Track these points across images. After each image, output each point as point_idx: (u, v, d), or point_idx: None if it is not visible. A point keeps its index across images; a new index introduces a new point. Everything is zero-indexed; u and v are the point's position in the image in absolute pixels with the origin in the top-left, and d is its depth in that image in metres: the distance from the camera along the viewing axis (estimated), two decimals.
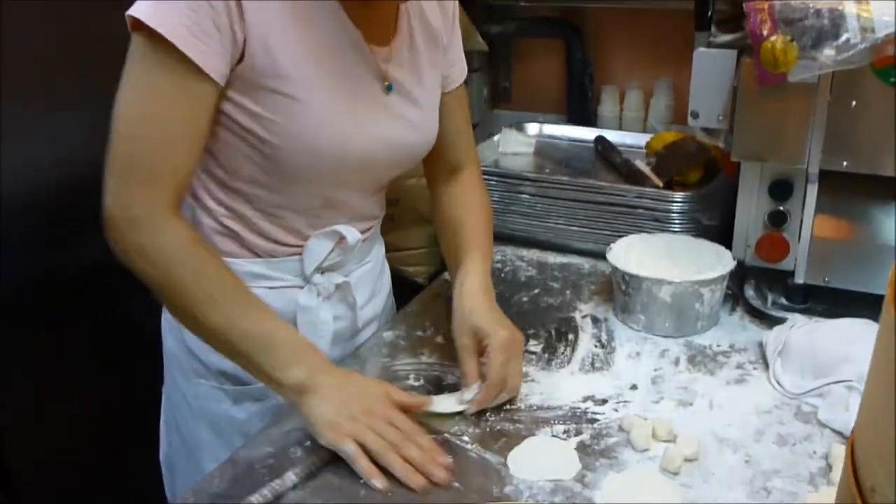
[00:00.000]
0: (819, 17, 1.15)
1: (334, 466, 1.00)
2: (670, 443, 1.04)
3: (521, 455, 1.03)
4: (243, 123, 1.04)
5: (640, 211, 1.58)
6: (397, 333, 1.34)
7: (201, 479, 1.01)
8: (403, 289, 1.52)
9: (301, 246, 1.18)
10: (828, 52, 1.15)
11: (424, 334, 1.34)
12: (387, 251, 1.41)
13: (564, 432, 1.08)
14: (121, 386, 1.62)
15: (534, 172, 1.79)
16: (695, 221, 1.55)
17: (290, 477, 0.97)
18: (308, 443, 1.04)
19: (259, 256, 1.17)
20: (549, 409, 1.13)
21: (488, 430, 1.09)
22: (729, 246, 1.40)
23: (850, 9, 1.13)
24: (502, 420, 1.11)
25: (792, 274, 1.38)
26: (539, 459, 1.02)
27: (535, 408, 1.14)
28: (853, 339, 1.15)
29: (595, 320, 1.39)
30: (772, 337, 1.25)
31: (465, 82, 1.32)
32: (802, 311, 1.36)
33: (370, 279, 1.32)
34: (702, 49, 1.34)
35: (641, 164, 1.70)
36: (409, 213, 1.79)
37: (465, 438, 1.07)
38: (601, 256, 1.44)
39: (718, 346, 1.30)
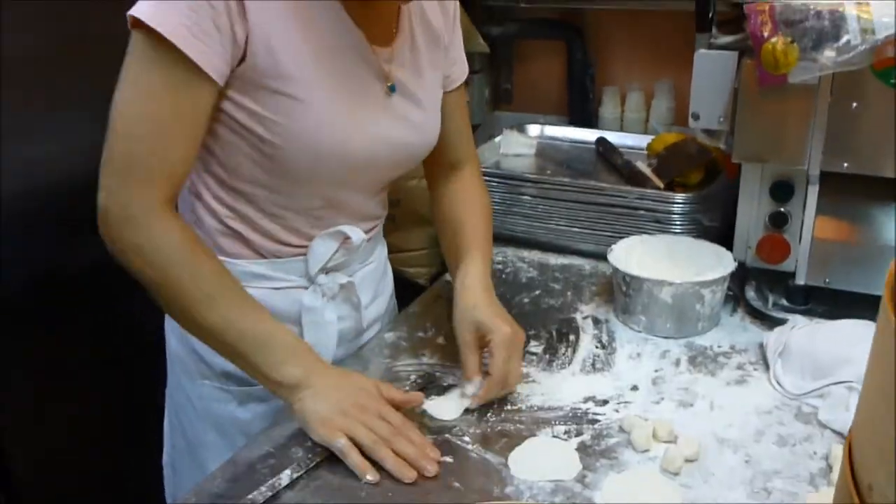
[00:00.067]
0: (819, 19, 1.15)
1: (333, 466, 1.00)
2: (671, 443, 1.04)
3: (522, 455, 1.03)
4: (244, 123, 1.04)
5: (641, 212, 1.58)
6: (399, 334, 1.34)
7: (203, 479, 1.01)
8: (405, 290, 1.52)
9: (305, 246, 1.18)
10: (828, 54, 1.15)
11: (426, 335, 1.34)
12: (388, 252, 1.41)
13: (565, 433, 1.08)
14: (121, 386, 1.62)
15: (535, 174, 1.79)
16: (696, 223, 1.55)
17: (287, 474, 0.97)
18: (308, 443, 1.04)
19: (263, 257, 1.17)
20: (550, 410, 1.14)
21: (489, 430, 1.09)
22: (730, 247, 1.40)
23: (851, 10, 1.13)
24: (503, 420, 1.11)
25: (793, 275, 1.38)
26: (540, 460, 1.03)
27: (535, 408, 1.14)
28: (854, 340, 1.15)
29: (596, 321, 1.39)
30: (772, 338, 1.25)
31: (466, 83, 1.32)
32: (803, 313, 1.36)
33: (374, 279, 1.32)
34: (703, 50, 1.34)
35: (642, 166, 1.70)
36: (411, 215, 1.79)
37: (466, 439, 1.07)
38: (602, 258, 1.44)
39: (719, 347, 1.30)
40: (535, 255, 1.67)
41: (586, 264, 1.62)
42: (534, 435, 1.08)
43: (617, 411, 1.13)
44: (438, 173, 1.34)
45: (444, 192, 1.34)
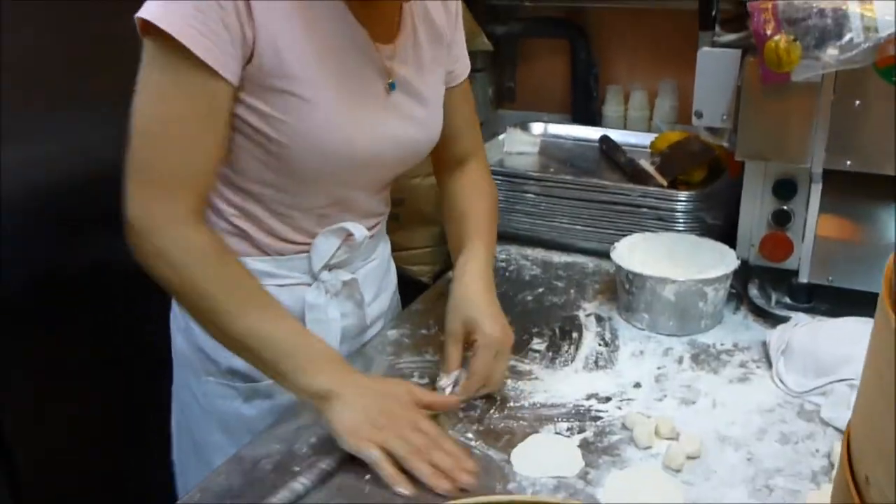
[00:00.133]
0: (822, 17, 1.15)
1: (342, 465, 1.00)
2: (673, 441, 1.04)
3: (525, 452, 1.03)
4: (251, 123, 1.04)
5: (645, 210, 1.58)
6: (402, 332, 1.34)
7: (208, 475, 1.01)
8: (408, 288, 1.53)
9: (309, 244, 1.18)
10: (831, 52, 1.15)
11: (429, 333, 1.34)
12: (392, 250, 1.41)
13: (568, 430, 1.08)
14: (121, 386, 1.62)
15: (538, 172, 1.79)
16: (699, 220, 1.55)
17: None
18: (314, 440, 1.04)
19: (267, 255, 1.17)
20: (553, 407, 1.14)
21: (492, 427, 1.09)
22: (733, 245, 1.40)
23: (854, 8, 1.13)
24: (506, 417, 1.11)
25: (796, 273, 1.38)
26: (542, 457, 1.03)
27: (538, 405, 1.14)
28: (856, 338, 1.14)
29: (599, 319, 1.39)
30: (775, 336, 1.25)
31: (470, 81, 1.32)
32: (806, 311, 1.36)
33: (376, 276, 1.33)
34: (706, 49, 1.34)
35: (646, 164, 1.71)
36: (415, 213, 1.79)
37: (469, 436, 1.07)
38: (605, 255, 1.44)
39: (722, 344, 1.30)
40: (539, 253, 1.68)
41: (589, 262, 1.62)
42: (536, 432, 1.08)
43: (619, 408, 1.13)
44: (446, 168, 1.35)
45: (451, 185, 1.34)
